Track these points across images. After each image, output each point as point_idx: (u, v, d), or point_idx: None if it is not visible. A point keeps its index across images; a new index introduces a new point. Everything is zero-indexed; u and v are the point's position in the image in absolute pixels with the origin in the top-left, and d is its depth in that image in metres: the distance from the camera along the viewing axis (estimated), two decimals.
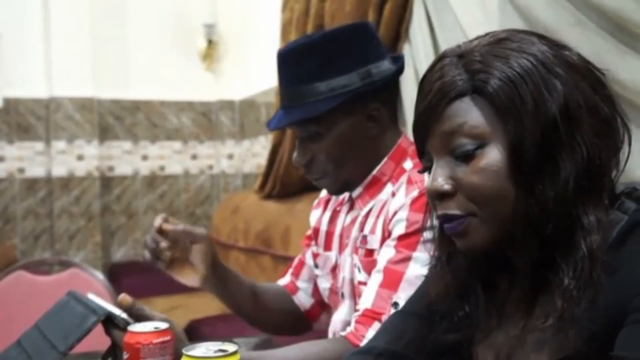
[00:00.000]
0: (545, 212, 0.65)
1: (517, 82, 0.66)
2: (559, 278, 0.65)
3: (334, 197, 1.30)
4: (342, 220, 1.24)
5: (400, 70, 1.17)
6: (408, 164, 1.14)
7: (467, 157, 0.68)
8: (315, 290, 1.33)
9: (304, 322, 1.33)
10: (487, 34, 0.73)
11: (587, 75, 0.68)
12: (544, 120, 0.65)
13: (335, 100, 1.09)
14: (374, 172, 1.15)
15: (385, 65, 1.14)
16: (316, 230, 1.31)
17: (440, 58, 0.73)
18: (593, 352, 0.62)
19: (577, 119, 0.65)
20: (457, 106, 0.69)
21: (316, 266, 1.30)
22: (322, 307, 1.31)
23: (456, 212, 0.69)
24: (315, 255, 1.30)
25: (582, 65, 0.69)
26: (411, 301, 0.88)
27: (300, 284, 1.35)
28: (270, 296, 1.32)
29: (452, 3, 1.75)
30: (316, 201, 1.36)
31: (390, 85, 1.18)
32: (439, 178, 0.70)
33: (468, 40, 0.74)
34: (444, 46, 1.81)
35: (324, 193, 1.34)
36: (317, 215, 1.32)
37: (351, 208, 1.21)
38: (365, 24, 1.22)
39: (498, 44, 0.69)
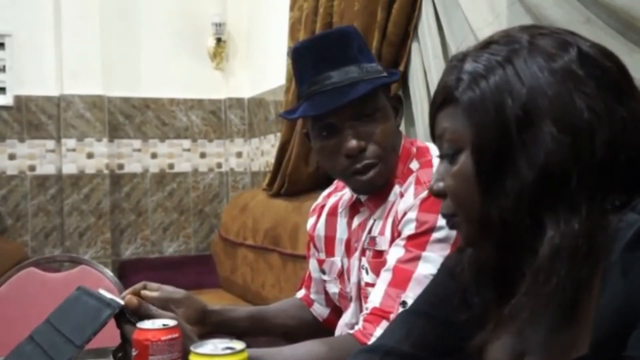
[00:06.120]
0: (503, 217, 0.66)
1: (486, 93, 0.67)
2: (521, 285, 0.66)
3: (328, 203, 1.29)
4: (345, 224, 1.23)
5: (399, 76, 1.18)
6: (414, 164, 1.13)
7: (450, 161, 0.72)
8: (329, 299, 1.33)
9: (325, 331, 1.32)
10: (495, 34, 0.73)
11: (571, 79, 0.66)
12: (501, 127, 0.66)
13: (390, 77, 1.11)
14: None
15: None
16: (312, 238, 1.31)
17: (450, 60, 0.76)
18: (605, 354, 0.62)
19: (537, 125, 0.65)
20: (444, 112, 0.73)
21: (323, 272, 1.29)
22: (340, 313, 1.31)
23: (445, 211, 0.75)
24: (320, 262, 1.30)
25: (565, 68, 0.67)
26: (419, 300, 0.88)
27: (313, 296, 1.35)
28: (285, 313, 1.32)
29: (461, 2, 1.75)
30: (312, 208, 1.35)
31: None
32: (435, 178, 0.75)
33: (479, 41, 0.75)
34: (452, 45, 1.81)
35: (320, 200, 1.34)
36: (311, 223, 1.32)
37: (356, 211, 1.21)
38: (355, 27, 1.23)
39: (485, 48, 0.71)
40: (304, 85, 1.11)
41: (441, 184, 0.73)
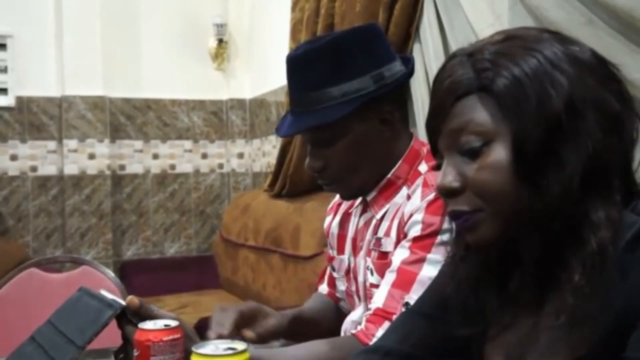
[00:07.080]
0: (550, 208, 0.65)
1: (522, 79, 0.66)
2: (569, 275, 0.65)
3: (345, 202, 1.30)
4: (355, 223, 1.23)
5: (411, 72, 1.16)
6: (423, 167, 1.13)
7: (474, 154, 0.69)
8: None
9: None
10: (497, 33, 0.73)
11: (596, 71, 0.68)
12: (548, 117, 0.65)
13: (348, 106, 1.07)
14: (389, 175, 1.14)
15: (397, 67, 1.12)
16: (328, 235, 1.32)
17: (450, 57, 0.74)
18: (606, 353, 0.62)
19: (582, 115, 0.65)
20: (463, 104, 0.69)
21: (333, 269, 1.30)
22: None
23: (464, 208, 0.70)
24: (331, 259, 1.31)
25: (590, 61, 0.68)
26: (419, 301, 0.88)
27: (338, 294, 1.35)
28: (318, 314, 1.32)
29: (462, 3, 1.75)
30: (329, 206, 1.36)
31: (402, 87, 1.18)
32: (448, 175, 0.71)
33: (479, 39, 0.74)
34: (453, 46, 1.81)
35: (337, 198, 1.34)
36: (328, 221, 1.33)
37: (364, 211, 1.20)
38: (374, 25, 1.21)
39: (506, 42, 0.70)
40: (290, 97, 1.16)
41: (458, 181, 0.70)
